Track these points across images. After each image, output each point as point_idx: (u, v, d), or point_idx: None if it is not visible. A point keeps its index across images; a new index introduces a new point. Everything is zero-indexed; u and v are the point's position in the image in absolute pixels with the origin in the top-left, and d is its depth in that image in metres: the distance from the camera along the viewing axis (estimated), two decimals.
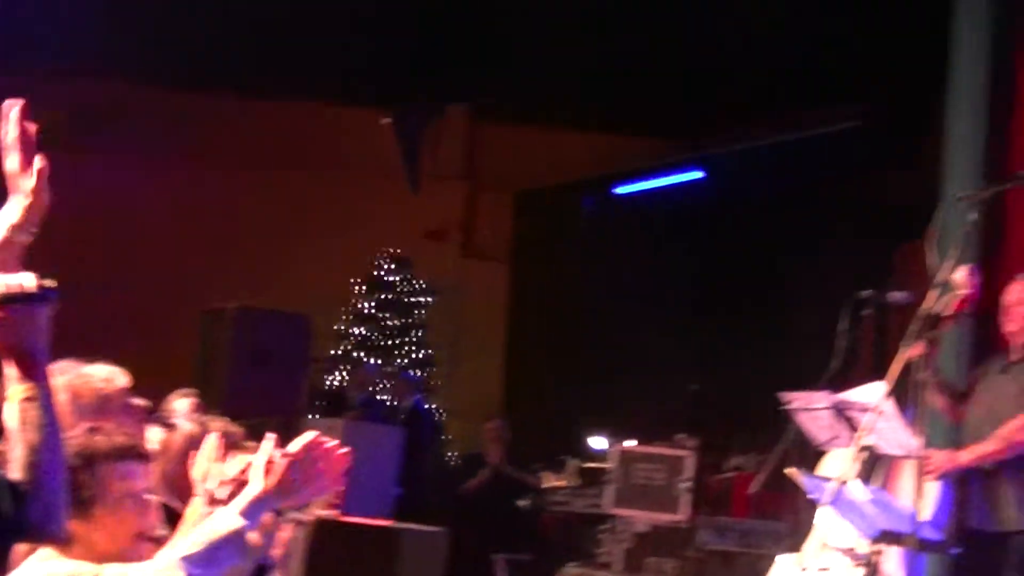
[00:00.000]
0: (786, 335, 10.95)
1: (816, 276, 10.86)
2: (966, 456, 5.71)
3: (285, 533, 3.50)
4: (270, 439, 2.97)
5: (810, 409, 5.73)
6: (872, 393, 5.44)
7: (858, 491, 5.06)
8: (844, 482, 4.85)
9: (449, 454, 13.58)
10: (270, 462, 2.92)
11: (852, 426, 5.48)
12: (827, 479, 5.23)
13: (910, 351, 5.88)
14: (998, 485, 5.73)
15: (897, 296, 6.23)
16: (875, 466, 5.71)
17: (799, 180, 11.97)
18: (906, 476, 5.61)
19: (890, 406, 5.02)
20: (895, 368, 4.69)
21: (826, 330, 6.31)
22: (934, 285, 4.57)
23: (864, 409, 5.33)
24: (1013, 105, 8.46)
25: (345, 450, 3.01)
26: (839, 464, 5.66)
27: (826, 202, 11.79)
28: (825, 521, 5.58)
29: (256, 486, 2.91)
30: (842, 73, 11.01)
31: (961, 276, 5.76)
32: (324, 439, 3.01)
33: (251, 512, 2.89)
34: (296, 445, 2.96)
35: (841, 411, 5.56)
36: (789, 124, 12.09)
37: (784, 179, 12.08)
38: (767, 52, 10.88)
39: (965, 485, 5.78)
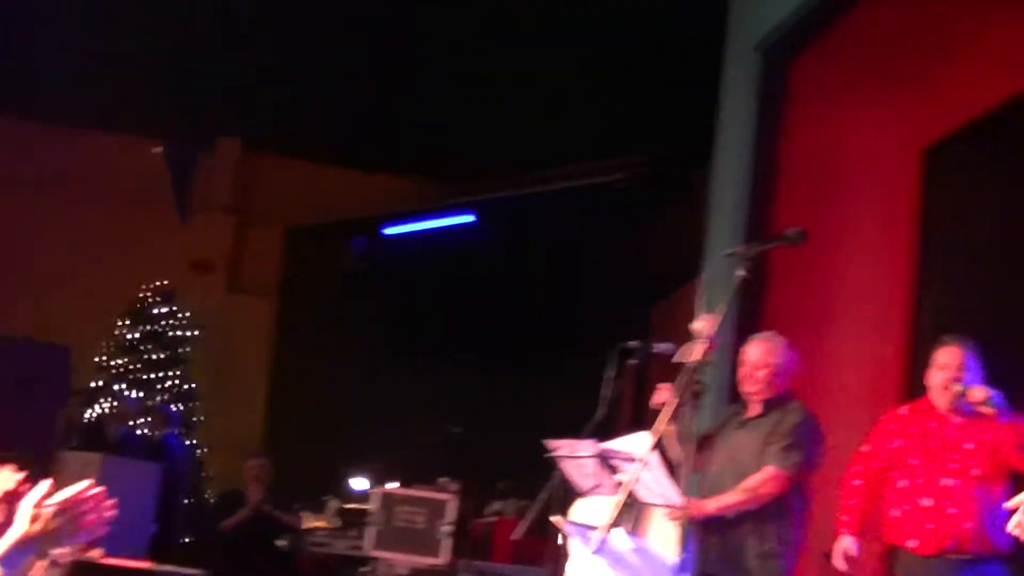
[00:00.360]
0: (551, 381, 11.13)
1: (582, 324, 11.06)
2: (713, 505, 5.89)
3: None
4: (44, 483, 2.89)
5: (575, 457, 5.79)
6: (636, 443, 5.55)
7: (621, 540, 5.15)
8: (608, 531, 4.92)
9: (208, 491, 13.32)
10: (38, 505, 2.84)
11: (616, 475, 5.57)
12: (591, 527, 5.31)
13: (655, 398, 6.14)
14: (737, 536, 5.94)
15: (662, 347, 6.36)
16: (626, 513, 5.85)
17: (569, 229, 12.21)
18: (655, 524, 5.78)
19: (655, 458, 5.14)
20: (662, 419, 4.81)
21: (591, 378, 6.44)
22: (703, 339, 4.71)
23: (628, 458, 5.43)
24: (776, 169, 8.81)
25: (111, 500, 2.95)
26: (589, 510, 5.83)
27: (594, 252, 12.05)
28: (582, 569, 5.66)
29: (19, 531, 2.82)
30: (616, 128, 11.31)
31: (702, 325, 6.05)
32: (93, 488, 2.93)
33: (11, 558, 2.79)
34: (66, 494, 2.88)
35: (605, 460, 5.63)
36: (562, 174, 12.34)
37: (555, 227, 12.31)
38: (545, 101, 11.08)
39: (707, 534, 5.95)
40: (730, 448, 6.13)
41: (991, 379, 6.01)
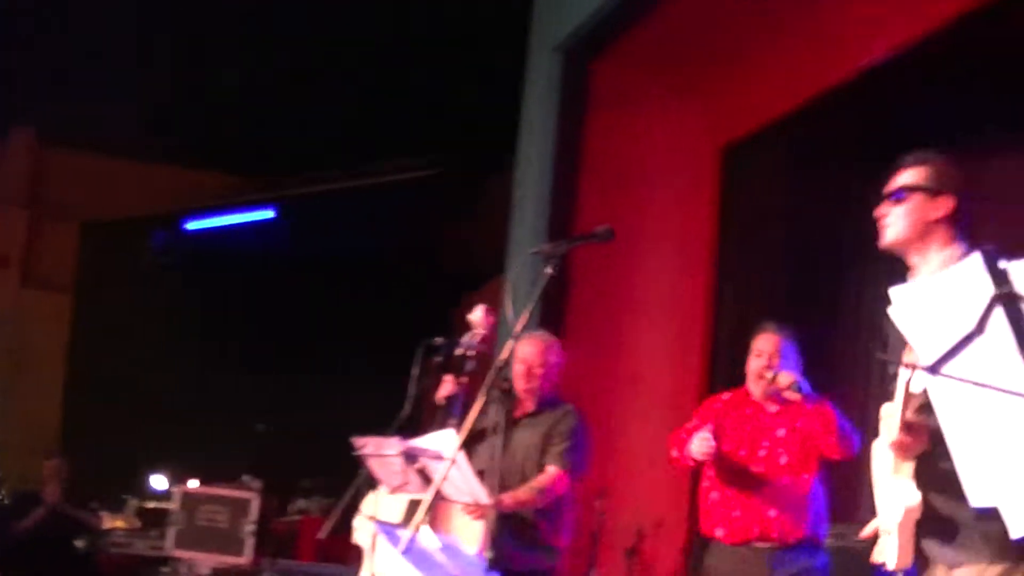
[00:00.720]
0: (357, 379, 11.07)
1: (387, 321, 11.03)
2: (508, 501, 5.95)
3: None
4: None
5: (381, 455, 5.78)
6: (442, 440, 5.58)
7: (428, 539, 5.16)
8: (416, 529, 4.92)
9: (1, 492, 12.90)
10: None
11: (422, 473, 5.59)
12: (398, 526, 5.32)
13: (440, 391, 6.19)
14: (526, 529, 6.02)
15: (466, 342, 6.40)
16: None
17: (372, 225, 12.17)
18: (457, 520, 5.83)
19: (463, 456, 5.16)
20: (470, 417, 4.83)
21: (397, 375, 6.45)
22: (512, 336, 4.73)
23: (436, 456, 5.45)
24: (578, 168, 8.92)
25: None
26: (385, 506, 5.86)
27: (398, 248, 12.03)
28: (387, 567, 5.67)
29: None
30: (418, 126, 11.29)
31: (478, 316, 6.13)
32: None
33: None
34: None
35: (412, 458, 5.64)
36: (364, 171, 12.29)
37: (357, 223, 12.25)
38: (346, 98, 11.02)
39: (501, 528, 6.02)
40: (511, 446, 6.19)
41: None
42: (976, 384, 2.30)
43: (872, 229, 8.38)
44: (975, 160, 8.08)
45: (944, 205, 3.83)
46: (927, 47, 7.24)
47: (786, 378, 5.75)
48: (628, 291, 8.90)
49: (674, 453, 6.11)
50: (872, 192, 8.35)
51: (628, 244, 8.98)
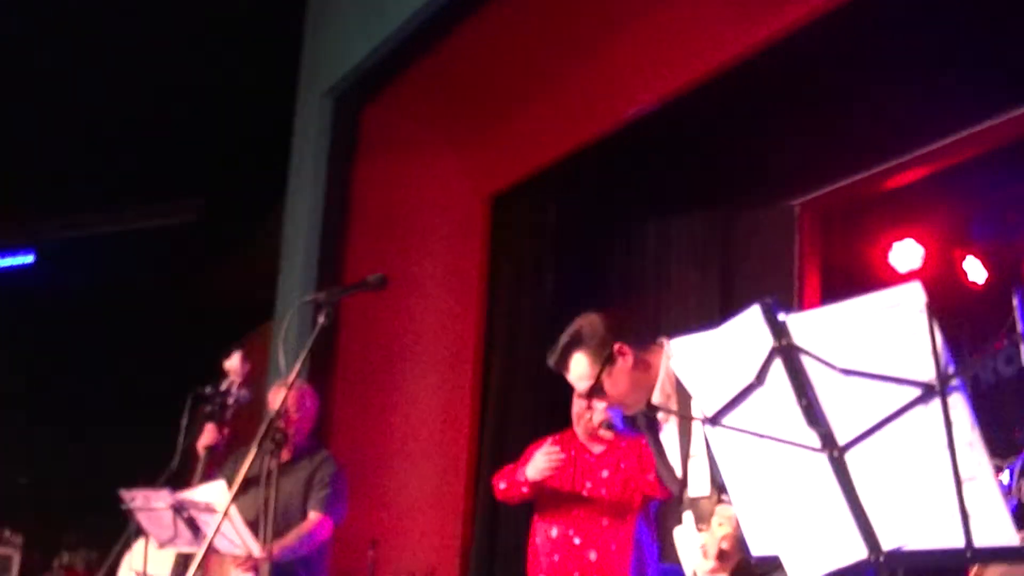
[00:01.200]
0: (123, 428, 10.78)
1: (153, 368, 10.77)
2: (277, 550, 5.91)
3: None
4: None
5: (150, 508, 5.66)
6: (212, 492, 5.50)
7: None
8: None
9: None
10: None
11: (193, 525, 5.50)
12: None
13: (202, 440, 6.10)
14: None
15: (238, 394, 6.33)
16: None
17: (132, 272, 11.83)
18: (226, 572, 5.75)
19: (234, 509, 5.09)
20: (243, 467, 4.76)
21: (165, 425, 6.32)
22: (280, 384, 4.70)
23: (207, 509, 5.37)
24: (347, 215, 8.91)
25: None
26: (154, 560, 5.75)
27: (163, 293, 11.73)
28: None
29: None
30: (184, 168, 11.07)
31: (234, 363, 6.10)
32: None
33: None
34: None
35: (182, 511, 5.54)
36: (126, 215, 11.96)
37: (117, 270, 11.92)
38: (111, 139, 10.74)
39: None
40: (265, 493, 6.14)
41: None
42: (754, 435, 2.39)
43: (633, 274, 8.66)
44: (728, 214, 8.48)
45: None
46: (687, 103, 7.47)
47: (598, 416, 5.64)
48: (399, 338, 8.91)
49: (502, 486, 5.96)
50: (635, 239, 8.68)
51: (399, 291, 8.99)
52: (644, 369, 3.92)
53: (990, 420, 7.93)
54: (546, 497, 5.90)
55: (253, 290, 10.14)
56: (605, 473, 5.85)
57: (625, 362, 3.91)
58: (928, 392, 2.19)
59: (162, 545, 5.82)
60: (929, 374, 2.17)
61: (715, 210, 8.42)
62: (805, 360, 2.28)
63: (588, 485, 5.84)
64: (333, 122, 9.03)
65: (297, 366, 4.61)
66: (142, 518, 5.71)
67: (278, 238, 9.50)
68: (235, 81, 10.04)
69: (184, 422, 6.10)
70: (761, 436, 2.37)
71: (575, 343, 4.10)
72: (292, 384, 4.81)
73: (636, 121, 7.83)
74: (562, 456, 5.74)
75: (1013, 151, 7.26)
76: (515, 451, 8.33)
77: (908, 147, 7.50)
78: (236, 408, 6.15)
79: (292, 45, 9.73)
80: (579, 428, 5.95)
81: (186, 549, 5.69)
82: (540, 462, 5.73)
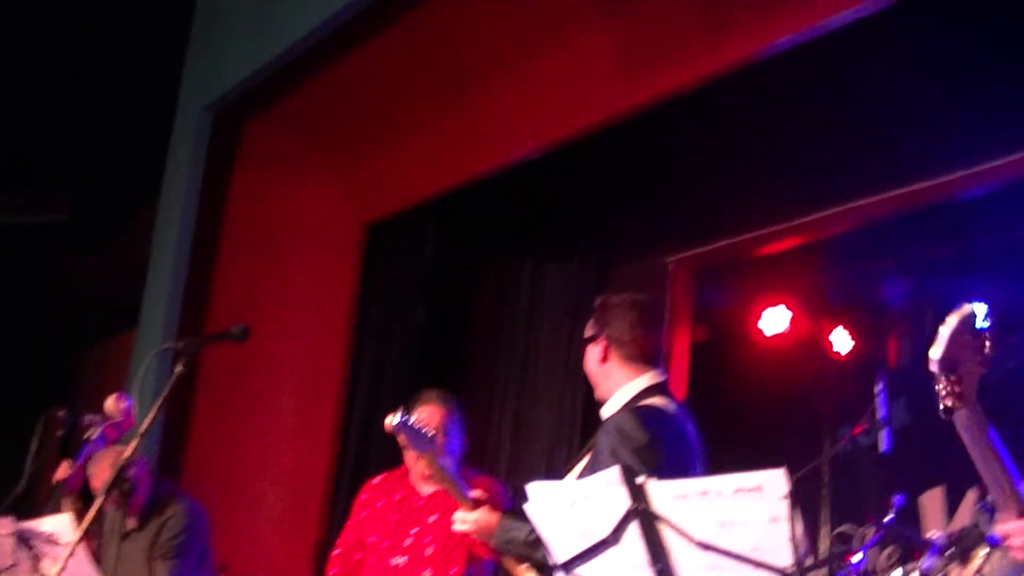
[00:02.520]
0: None
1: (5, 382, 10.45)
2: None
3: None
4: None
5: None
6: (58, 524, 5.37)
7: None
8: None
9: None
10: None
11: (35, 555, 5.36)
12: None
13: (57, 473, 5.93)
14: None
15: (91, 419, 6.17)
16: None
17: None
18: None
19: (82, 547, 4.96)
20: (90, 512, 4.65)
21: (13, 442, 6.15)
22: (136, 434, 4.57)
23: (50, 540, 5.24)
24: (218, 234, 8.78)
25: None
26: None
27: (14, 295, 11.22)
28: None
29: None
30: (50, 164, 10.72)
31: (111, 404, 5.91)
32: None
33: None
34: None
35: (25, 539, 5.40)
36: None
37: None
38: None
39: None
40: (116, 559, 5.92)
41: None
42: None
43: (505, 316, 8.66)
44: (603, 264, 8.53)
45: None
46: (571, 151, 7.48)
47: (429, 464, 4.90)
48: (263, 358, 8.77)
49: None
50: (509, 279, 8.68)
51: (266, 311, 8.90)
52: None
53: (848, 489, 8.11)
54: (368, 545, 5.55)
55: (116, 294, 9.92)
56: (433, 518, 5.40)
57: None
58: None
59: (1, 573, 5.66)
60: (786, 560, 2.17)
61: (591, 257, 8.44)
62: (662, 527, 2.26)
63: (413, 532, 5.43)
64: (212, 135, 8.88)
65: (151, 415, 4.51)
66: None
67: (146, 244, 9.30)
68: (118, 80, 9.80)
69: (34, 446, 5.94)
70: None
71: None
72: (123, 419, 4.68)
73: (519, 164, 7.82)
74: None
75: (885, 228, 7.39)
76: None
77: (785, 215, 7.60)
78: (91, 449, 5.95)
79: (178, 52, 9.55)
80: (413, 468, 5.47)
81: None
82: None
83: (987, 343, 2.71)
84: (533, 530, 3.70)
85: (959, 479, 7.59)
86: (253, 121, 8.91)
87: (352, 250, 8.93)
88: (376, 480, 5.73)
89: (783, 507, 2.12)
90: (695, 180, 7.53)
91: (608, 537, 2.33)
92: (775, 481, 2.12)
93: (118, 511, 5.79)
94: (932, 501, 7.75)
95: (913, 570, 5.59)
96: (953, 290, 7.55)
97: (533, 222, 8.42)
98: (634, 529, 2.29)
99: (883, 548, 7.88)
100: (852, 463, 7.80)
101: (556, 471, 8.04)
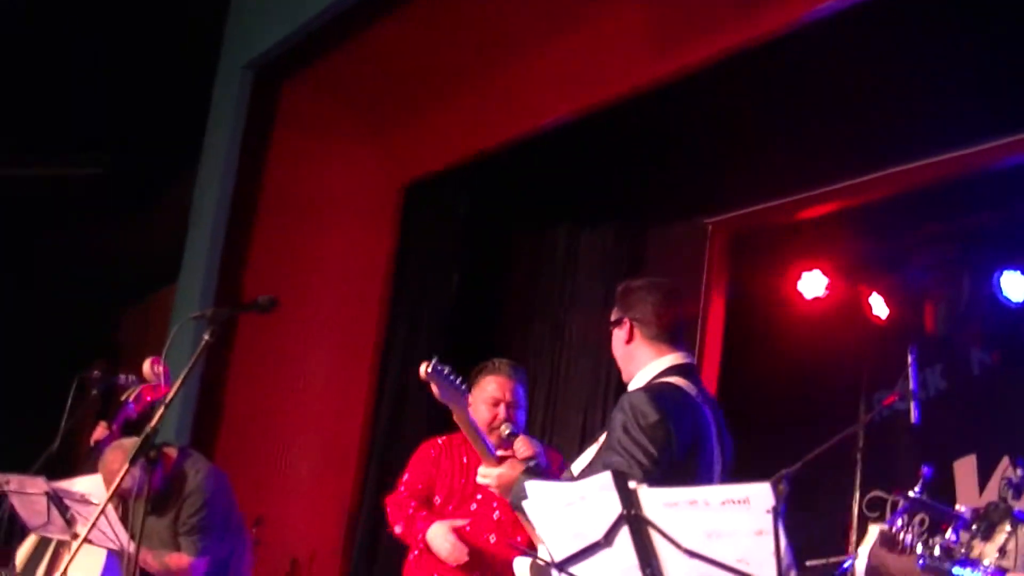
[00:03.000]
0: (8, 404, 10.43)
1: (40, 332, 10.49)
2: (147, 557, 5.82)
3: None
4: None
5: (24, 492, 5.59)
6: (90, 484, 5.45)
7: None
8: None
9: None
10: None
11: (66, 515, 5.45)
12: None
13: (95, 433, 5.98)
14: None
15: (127, 380, 6.23)
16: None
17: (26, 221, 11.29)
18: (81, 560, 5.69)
19: (111, 508, 5.02)
20: (118, 478, 4.69)
21: (51, 399, 6.21)
22: (164, 403, 4.61)
23: (83, 500, 5.32)
24: (258, 191, 8.82)
25: None
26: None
27: (57, 250, 11.25)
28: None
29: None
30: (90, 123, 10.75)
31: (147, 368, 5.95)
32: None
33: None
34: None
35: (57, 499, 5.48)
36: (23, 161, 11.48)
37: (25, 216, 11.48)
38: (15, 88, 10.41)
39: None
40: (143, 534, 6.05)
41: None
42: None
43: (540, 280, 8.67)
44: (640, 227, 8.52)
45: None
46: (609, 116, 7.47)
47: (524, 450, 5.09)
48: (299, 318, 8.84)
49: (398, 529, 5.51)
50: (544, 244, 8.67)
51: (303, 275, 8.96)
52: None
53: (883, 455, 8.10)
54: (433, 505, 5.49)
55: (157, 252, 9.99)
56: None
57: None
58: None
59: (33, 530, 5.77)
60: (771, 573, 2.18)
61: (627, 222, 8.42)
62: (652, 532, 2.28)
63: (479, 497, 5.40)
64: (252, 95, 8.92)
65: (177, 385, 4.56)
66: (15, 501, 5.64)
67: (188, 202, 9.38)
68: (159, 42, 9.83)
69: (69, 405, 6.01)
70: None
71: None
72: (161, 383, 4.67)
73: (556, 128, 7.81)
74: (465, 559, 5.24)
75: (924, 195, 7.34)
76: (407, 443, 8.38)
77: (824, 180, 7.55)
78: (138, 409, 6.00)
79: (219, 10, 9.57)
80: (490, 436, 5.27)
81: (58, 536, 5.64)
82: (444, 548, 5.27)
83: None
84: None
85: (993, 446, 7.58)
86: (292, 82, 8.94)
87: (388, 213, 8.96)
88: (441, 440, 5.64)
89: (769, 520, 2.13)
90: (732, 145, 7.49)
91: (601, 539, 2.35)
92: (762, 494, 2.13)
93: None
94: (965, 468, 7.73)
95: (936, 544, 5.59)
96: (991, 259, 7.50)
97: (568, 187, 8.40)
98: (625, 533, 2.32)
99: (913, 516, 7.89)
100: (887, 430, 7.76)
101: (589, 435, 8.08)
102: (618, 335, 4.18)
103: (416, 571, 5.51)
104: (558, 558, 2.44)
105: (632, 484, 2.27)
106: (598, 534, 2.35)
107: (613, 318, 4.19)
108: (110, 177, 10.90)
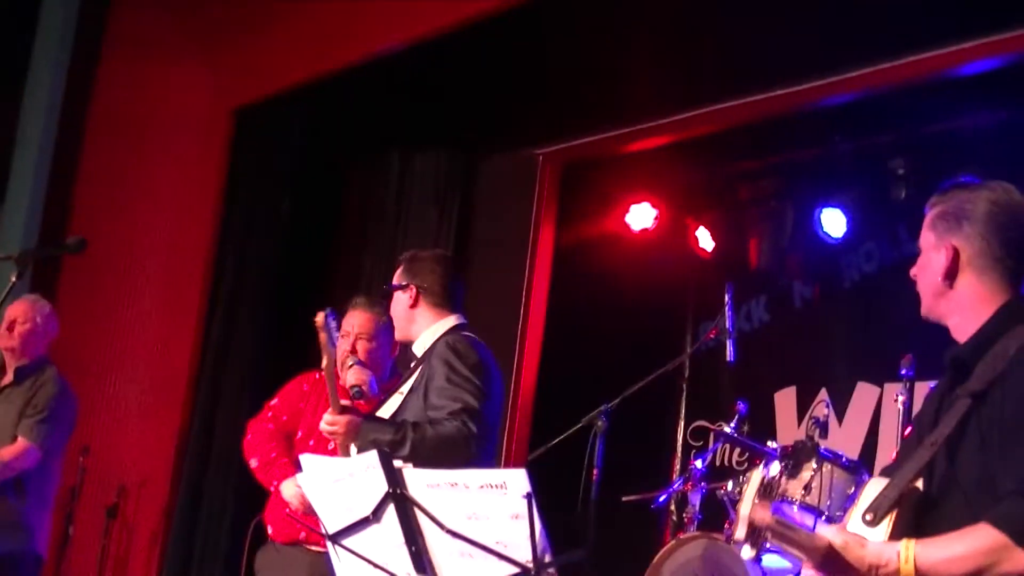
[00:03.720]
0: None
1: None
2: None
3: None
4: None
5: None
6: None
7: None
8: None
9: None
10: None
11: None
12: None
13: None
14: None
15: None
16: None
17: None
18: None
19: None
20: None
21: None
22: None
23: None
24: (84, 113, 8.63)
25: None
26: None
27: None
28: None
29: None
30: None
31: None
32: None
33: None
34: None
35: None
36: None
37: None
38: None
39: None
40: None
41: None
42: (369, 563, 2.43)
43: (374, 208, 8.63)
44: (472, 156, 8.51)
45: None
46: (442, 44, 7.43)
47: (353, 376, 5.04)
48: (128, 245, 8.71)
49: (253, 463, 5.45)
50: (377, 171, 8.62)
51: (132, 197, 8.81)
52: None
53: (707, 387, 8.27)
54: (293, 446, 5.45)
55: None
56: None
57: None
58: (525, 573, 2.25)
59: None
60: (527, 556, 2.23)
61: (459, 151, 8.40)
62: (417, 511, 2.31)
63: (330, 447, 5.16)
64: (80, 13, 8.68)
65: None
66: None
67: (13, 126, 9.11)
68: None
69: None
70: (375, 565, 2.41)
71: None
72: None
73: (390, 54, 7.74)
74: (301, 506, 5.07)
75: (749, 131, 7.44)
76: (236, 369, 8.34)
77: (654, 114, 7.59)
78: None
79: None
80: (341, 372, 5.22)
81: None
82: (293, 503, 5.15)
83: None
84: (398, 430, 4.18)
85: (812, 378, 7.80)
86: (121, 1, 8.69)
87: (220, 137, 8.77)
88: (318, 375, 5.55)
89: (524, 505, 2.17)
90: (562, 76, 7.49)
91: (370, 515, 2.39)
92: (517, 480, 2.18)
93: None
94: (786, 400, 7.95)
95: (747, 481, 5.74)
96: (812, 195, 7.67)
97: (402, 117, 8.33)
98: (392, 511, 2.35)
99: (732, 449, 8.11)
100: (712, 362, 7.93)
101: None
102: (401, 298, 4.69)
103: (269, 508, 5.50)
104: (332, 530, 2.47)
105: (397, 463, 2.30)
106: (367, 510, 2.38)
107: (398, 283, 4.70)
108: None
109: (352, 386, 4.91)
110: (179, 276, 8.80)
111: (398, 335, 4.81)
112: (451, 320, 4.69)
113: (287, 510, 5.13)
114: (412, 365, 4.66)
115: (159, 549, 8.51)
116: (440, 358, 4.37)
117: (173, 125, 8.89)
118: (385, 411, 4.38)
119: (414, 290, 4.67)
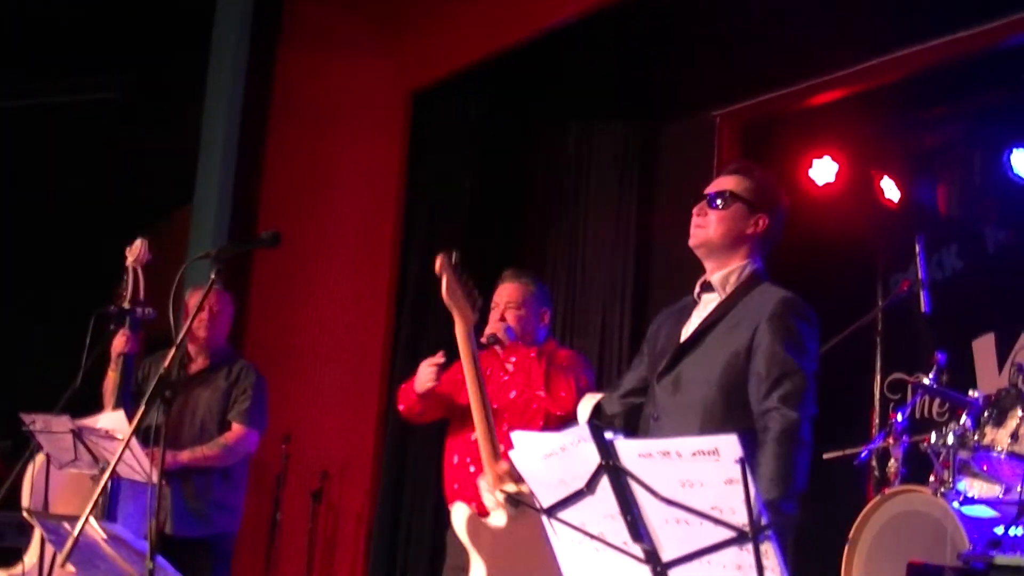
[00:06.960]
0: (30, 330, 10.44)
1: (60, 260, 10.50)
2: (186, 456, 6.00)
3: None
4: None
5: (51, 431, 5.68)
6: (113, 420, 5.53)
7: (95, 531, 5.08)
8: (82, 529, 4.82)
9: None
10: None
11: (92, 451, 5.54)
12: (64, 519, 5.25)
13: (116, 346, 6.08)
14: (202, 493, 6.09)
15: (143, 313, 6.29)
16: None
17: (42, 148, 11.20)
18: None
19: (135, 440, 5.08)
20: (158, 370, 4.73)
21: (73, 327, 6.27)
22: (176, 344, 4.65)
23: (107, 436, 5.40)
24: (267, 103, 8.81)
25: None
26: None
27: (71, 176, 11.15)
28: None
29: None
30: (100, 44, 10.66)
31: (135, 249, 6.14)
32: None
33: None
34: None
35: (82, 436, 5.57)
36: (39, 88, 11.41)
37: (27, 145, 11.32)
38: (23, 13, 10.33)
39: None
40: (185, 400, 6.18)
41: None
42: (586, 534, 2.46)
43: (555, 182, 8.67)
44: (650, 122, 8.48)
45: (758, 223, 3.93)
46: (614, 12, 7.44)
47: (490, 327, 5.28)
48: (316, 234, 8.89)
49: (401, 407, 5.54)
50: (556, 144, 8.65)
51: (317, 187, 8.98)
52: None
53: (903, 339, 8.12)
54: (454, 417, 5.47)
55: (170, 174, 9.96)
56: (511, 394, 5.34)
57: None
58: (742, 536, 2.25)
59: (62, 467, 5.86)
60: (743, 519, 2.24)
61: (637, 118, 8.40)
62: (631, 481, 2.33)
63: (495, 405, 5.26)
64: (255, 6, 8.87)
65: (187, 325, 4.61)
66: (43, 440, 5.74)
67: (198, 122, 9.36)
68: None
69: (88, 342, 6.08)
70: (592, 537, 2.44)
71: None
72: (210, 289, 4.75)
73: (562, 28, 7.78)
74: (440, 360, 5.23)
75: (932, 78, 7.28)
76: (430, 350, 8.40)
77: (831, 67, 7.50)
78: (142, 322, 6.13)
79: None
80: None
81: (86, 471, 5.74)
82: (422, 373, 5.28)
83: None
84: None
85: (1011, 324, 7.59)
86: None
87: (398, 121, 8.92)
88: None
89: (737, 470, 2.18)
90: (737, 36, 7.42)
91: (584, 488, 2.42)
92: (730, 446, 2.18)
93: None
94: (985, 347, 7.75)
95: (951, 431, 5.64)
96: (1000, 137, 7.46)
97: (578, 84, 8.35)
98: (606, 482, 2.37)
99: (932, 401, 7.94)
100: (907, 313, 7.77)
101: (610, 332, 8.13)
102: (746, 218, 3.91)
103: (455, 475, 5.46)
104: (546, 504, 2.50)
105: (608, 435, 2.32)
106: (581, 482, 2.40)
107: (749, 198, 3.91)
108: (120, 103, 10.83)
109: (489, 334, 5.12)
110: (368, 261, 8.96)
111: (703, 254, 4.00)
112: (749, 265, 3.97)
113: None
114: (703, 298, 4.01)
115: (364, 530, 8.72)
116: (778, 311, 3.73)
117: (352, 112, 9.05)
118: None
119: (765, 220, 3.96)
